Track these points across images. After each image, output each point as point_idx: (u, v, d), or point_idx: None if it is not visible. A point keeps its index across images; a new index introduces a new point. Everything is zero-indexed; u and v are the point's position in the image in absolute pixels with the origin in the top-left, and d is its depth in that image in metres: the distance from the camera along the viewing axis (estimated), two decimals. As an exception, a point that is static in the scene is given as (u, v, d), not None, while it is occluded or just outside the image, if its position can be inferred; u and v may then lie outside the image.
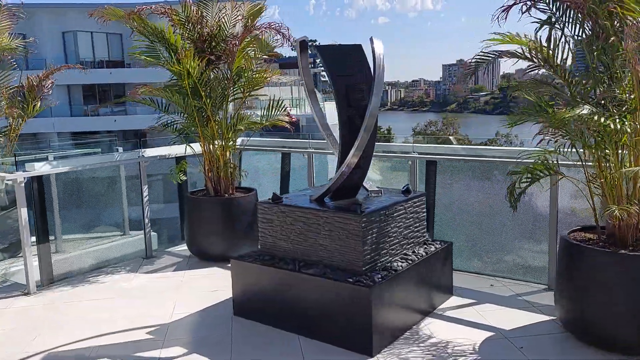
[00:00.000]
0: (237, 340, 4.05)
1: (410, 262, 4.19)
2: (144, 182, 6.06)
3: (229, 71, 5.77)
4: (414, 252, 4.41)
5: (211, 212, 5.87)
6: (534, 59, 3.93)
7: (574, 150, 4.13)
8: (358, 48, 4.25)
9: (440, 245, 4.58)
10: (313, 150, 6.24)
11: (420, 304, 4.29)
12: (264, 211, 4.40)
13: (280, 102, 5.94)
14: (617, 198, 3.71)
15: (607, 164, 3.70)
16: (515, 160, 5.12)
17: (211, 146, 5.89)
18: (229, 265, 5.66)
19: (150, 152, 6.22)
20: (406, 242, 4.37)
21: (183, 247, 6.52)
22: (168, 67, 5.62)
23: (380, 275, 3.88)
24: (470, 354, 3.73)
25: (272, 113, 5.97)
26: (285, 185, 6.98)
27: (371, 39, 4.21)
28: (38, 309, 4.80)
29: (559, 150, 4.20)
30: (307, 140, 6.36)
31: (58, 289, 5.23)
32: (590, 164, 3.88)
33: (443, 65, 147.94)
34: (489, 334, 4.01)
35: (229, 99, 5.86)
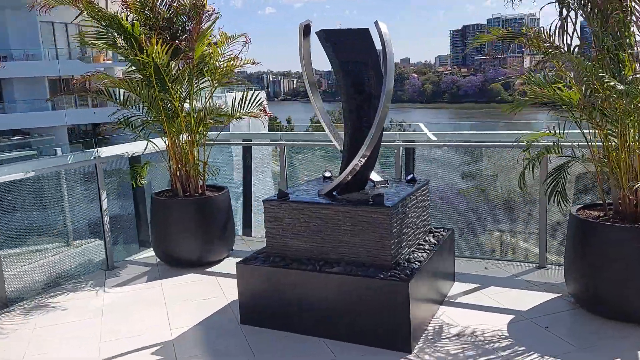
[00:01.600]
0: (259, 349, 3.74)
1: (427, 251, 4.11)
2: (102, 185, 5.44)
3: (190, 60, 5.32)
4: (425, 240, 4.33)
5: (183, 214, 5.40)
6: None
7: (570, 131, 4.29)
8: (365, 32, 4.05)
9: (445, 233, 4.55)
10: (285, 142, 5.96)
11: (436, 293, 4.22)
12: (272, 209, 4.09)
13: (256, 95, 5.58)
14: (628, 175, 3.86)
15: (622, 142, 3.82)
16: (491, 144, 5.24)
17: (177, 142, 5.41)
18: (208, 270, 5.33)
19: (107, 151, 5.60)
20: (418, 232, 4.28)
21: (146, 254, 5.98)
22: (128, 56, 5.06)
23: (409, 268, 3.76)
24: (504, 338, 3.72)
25: (246, 106, 5.59)
26: (248, 181, 6.64)
27: (376, 23, 4.04)
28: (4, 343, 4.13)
29: (560, 133, 4.33)
30: (278, 132, 6.06)
31: (14, 315, 4.54)
32: (600, 143, 4.01)
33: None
34: (509, 316, 4.04)
35: (195, 90, 5.40)
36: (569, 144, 4.32)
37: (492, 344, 3.65)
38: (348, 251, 3.86)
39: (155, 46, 4.87)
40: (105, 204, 5.47)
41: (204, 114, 5.44)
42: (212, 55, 5.31)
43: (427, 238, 4.38)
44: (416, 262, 3.88)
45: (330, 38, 3.98)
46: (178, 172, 5.48)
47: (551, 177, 4.16)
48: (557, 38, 3.92)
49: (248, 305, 4.10)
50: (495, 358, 3.47)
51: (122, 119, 5.45)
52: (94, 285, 5.13)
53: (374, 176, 4.39)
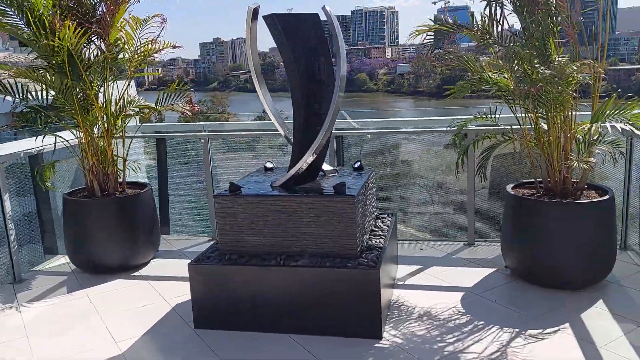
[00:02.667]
0: (224, 352, 3.53)
1: (383, 237, 4.15)
2: (3, 187, 4.76)
3: (104, 44, 4.83)
4: (377, 226, 4.37)
5: (104, 215, 4.91)
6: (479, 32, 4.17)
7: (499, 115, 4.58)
8: (315, 17, 3.95)
9: (391, 218, 4.62)
10: (209, 134, 5.66)
11: (390, 278, 4.29)
12: (224, 204, 3.86)
13: (182, 85, 5.20)
14: (557, 154, 4.20)
15: (552, 124, 4.14)
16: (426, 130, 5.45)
17: (92, 136, 4.90)
18: (135, 274, 4.94)
19: (7, 148, 4.91)
20: (369, 218, 4.30)
21: (56, 262, 5.38)
22: (37, 40, 4.46)
23: (374, 255, 3.77)
24: (461, 315, 3.88)
25: (171, 97, 5.20)
26: (163, 176, 6.23)
27: (324, 7, 3.97)
28: None
29: (492, 117, 4.60)
30: (202, 123, 5.73)
31: None
32: (530, 126, 4.31)
33: (200, 43, 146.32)
34: (459, 294, 4.23)
35: (112, 78, 4.91)
36: (501, 127, 4.59)
37: (453, 322, 3.79)
38: (311, 243, 3.77)
39: (69, 29, 4.34)
40: (8, 208, 4.80)
41: (122, 104, 4.97)
42: (127, 39, 4.85)
43: (377, 224, 4.42)
44: (377, 248, 3.90)
45: (280, 23, 3.82)
46: (94, 169, 4.97)
47: (481, 156, 4.41)
48: (491, 28, 4.13)
49: (203, 308, 3.85)
50: (461, 334, 3.62)
51: (25, 113, 4.80)
52: (4, 302, 4.50)
53: (324, 165, 4.33)
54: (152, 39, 4.81)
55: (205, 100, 65.00)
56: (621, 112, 3.95)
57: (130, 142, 5.16)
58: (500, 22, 4.09)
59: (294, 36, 3.86)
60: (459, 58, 4.39)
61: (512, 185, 4.56)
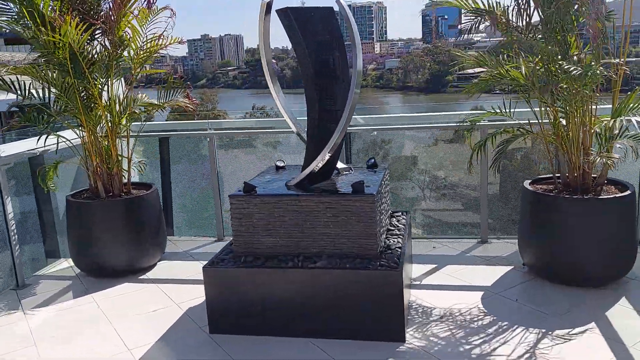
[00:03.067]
0: (242, 358, 3.41)
1: (400, 236, 4.05)
2: (5, 189, 4.60)
3: (108, 41, 4.68)
4: (393, 225, 4.27)
5: (110, 217, 4.76)
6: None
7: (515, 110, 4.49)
8: (330, 11, 3.83)
9: (405, 216, 4.52)
10: (215, 132, 5.52)
11: (408, 278, 4.19)
12: (239, 205, 3.73)
13: (179, 80, 5.06)
14: (576, 149, 4.11)
15: (572, 120, 4.05)
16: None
17: (96, 135, 4.75)
18: (142, 277, 4.81)
19: (9, 149, 4.74)
20: (385, 216, 4.20)
21: (59, 266, 5.23)
22: (37, 37, 4.30)
23: (395, 255, 3.66)
24: (484, 316, 3.79)
25: (171, 93, 5.06)
26: (167, 176, 6.09)
27: (338, 1, 3.85)
28: None
29: (506, 112, 4.51)
30: (206, 121, 5.59)
31: None
32: (547, 121, 4.22)
33: (188, 40, 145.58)
34: (478, 293, 4.14)
35: (115, 75, 4.76)
36: (515, 122, 4.50)
37: (476, 323, 3.70)
38: (329, 243, 3.66)
39: (71, 25, 4.18)
40: (10, 211, 4.65)
41: (126, 103, 4.82)
42: (133, 35, 4.70)
43: (392, 222, 4.32)
44: (397, 249, 3.79)
45: (295, 17, 3.69)
46: (99, 170, 4.82)
47: (497, 149, 4.32)
48: (515, 19, 4.03)
49: (218, 312, 3.73)
50: (486, 336, 3.52)
51: (27, 112, 4.64)
52: (9, 308, 4.35)
53: (338, 164, 4.22)
54: (160, 34, 4.65)
55: (195, 98, 64.74)
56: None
57: (135, 142, 5.02)
58: (529, 13, 3.98)
59: (309, 30, 3.74)
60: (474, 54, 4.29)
61: (528, 181, 4.47)
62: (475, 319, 3.76)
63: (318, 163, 3.82)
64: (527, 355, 3.26)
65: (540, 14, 4.07)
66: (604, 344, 3.34)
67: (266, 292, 3.63)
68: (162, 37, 4.67)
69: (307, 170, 3.85)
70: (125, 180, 4.99)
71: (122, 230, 4.77)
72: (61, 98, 4.53)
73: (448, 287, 4.30)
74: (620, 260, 4.08)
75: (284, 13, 3.72)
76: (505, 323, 3.67)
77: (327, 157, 3.83)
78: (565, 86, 3.75)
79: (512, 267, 4.55)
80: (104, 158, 4.81)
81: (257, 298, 3.65)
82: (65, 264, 5.28)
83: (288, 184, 3.92)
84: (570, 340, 3.40)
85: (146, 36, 4.71)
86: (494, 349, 3.35)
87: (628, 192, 4.01)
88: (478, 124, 4.70)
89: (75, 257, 4.90)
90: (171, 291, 4.50)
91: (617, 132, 3.97)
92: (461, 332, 3.58)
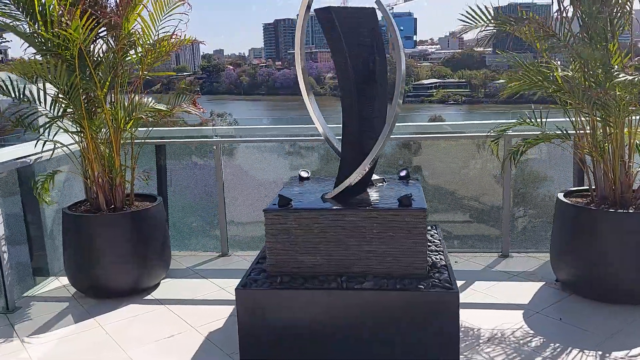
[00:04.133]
0: (288, 394, 3.09)
1: (440, 252, 3.81)
2: (-4, 203, 4.13)
3: (113, 39, 4.28)
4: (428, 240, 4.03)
5: (113, 232, 4.34)
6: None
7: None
8: (372, 12, 3.57)
9: (436, 230, 4.29)
10: (221, 139, 5.16)
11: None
12: (275, 220, 3.41)
13: (188, 85, 4.69)
14: (617, 161, 3.98)
15: (614, 129, 3.92)
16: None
17: (98, 142, 4.33)
18: (148, 298, 4.41)
19: (4, 154, 4.26)
20: (422, 232, 3.96)
21: (50, 286, 4.75)
22: (40, 33, 3.87)
23: (443, 274, 3.42)
24: (533, 337, 3.58)
25: (178, 99, 4.68)
26: (163, 184, 5.67)
27: (378, 1, 3.60)
28: None
29: (539, 122, 4.36)
30: (211, 127, 5.22)
31: None
32: (587, 130, 4.08)
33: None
34: (518, 312, 3.94)
35: (122, 76, 4.35)
36: (550, 132, 4.35)
37: (528, 345, 3.49)
38: (374, 262, 3.38)
39: (80, 20, 3.78)
40: (2, 227, 4.16)
41: (131, 107, 4.42)
42: (143, 31, 4.31)
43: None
44: (442, 267, 3.55)
45: (338, 17, 3.42)
46: (101, 180, 4.38)
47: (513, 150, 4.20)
48: (557, 27, 3.88)
49: (251, 338, 3.38)
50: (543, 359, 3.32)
51: (21, 117, 4.18)
52: (2, 336, 3.86)
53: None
54: (173, 33, 4.27)
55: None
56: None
57: (140, 150, 4.61)
58: (569, 19, 3.83)
59: (351, 32, 3.47)
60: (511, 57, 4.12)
61: (562, 193, 4.32)
62: (525, 340, 3.54)
63: (358, 175, 3.54)
64: (595, 381, 3.07)
65: (581, 22, 3.94)
66: (668, 366, 3.19)
67: (306, 316, 3.31)
68: (175, 35, 4.28)
69: (347, 182, 3.57)
70: (127, 191, 4.56)
71: (126, 246, 4.35)
72: (63, 100, 4.10)
73: (484, 305, 4.09)
74: (662, 276, 3.96)
75: (325, 12, 3.44)
76: (558, 345, 3.47)
77: (363, 168, 3.57)
78: (618, 92, 3.60)
79: (544, 283, 4.39)
80: (105, 167, 4.38)
81: (295, 322, 3.33)
82: (56, 283, 4.79)
83: (325, 196, 3.62)
84: (632, 363, 3.24)
85: (157, 34, 4.32)
86: (558, 375, 3.15)
87: (669, 205, 3.91)
88: (506, 133, 4.54)
89: (72, 275, 4.45)
90: (184, 313, 4.11)
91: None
92: (516, 356, 3.36)
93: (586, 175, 4.21)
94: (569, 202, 4.12)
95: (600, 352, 3.35)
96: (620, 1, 3.77)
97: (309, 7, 3.54)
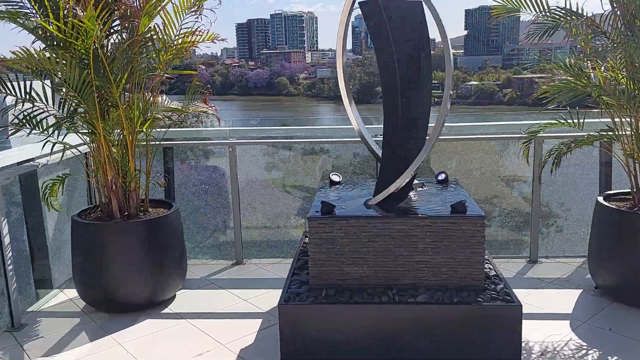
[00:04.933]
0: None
1: (488, 262, 3.60)
2: (0, 211, 3.76)
3: (127, 33, 3.96)
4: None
5: (128, 241, 4.02)
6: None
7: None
8: (419, 5, 3.34)
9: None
10: (236, 141, 4.87)
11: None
12: (320, 229, 3.16)
13: (201, 85, 4.39)
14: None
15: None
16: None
17: (111, 144, 4.00)
18: (165, 312, 4.11)
19: (9, 157, 3.90)
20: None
21: (56, 300, 4.40)
22: (41, 29, 3.53)
23: (500, 286, 3.21)
24: (588, 349, 3.40)
25: (191, 98, 4.39)
26: (170, 188, 5.35)
27: (423, -4, 3.38)
28: None
29: (577, 122, 4.20)
30: (227, 128, 4.92)
31: None
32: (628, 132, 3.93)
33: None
34: (564, 322, 3.75)
35: (141, 74, 4.02)
36: (584, 133, 4.19)
37: (583, 357, 3.31)
38: (427, 274, 3.16)
39: (94, 11, 3.46)
40: (6, 233, 3.80)
41: (147, 107, 4.11)
42: (167, 26, 4.00)
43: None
44: (494, 277, 3.35)
45: (386, 11, 3.19)
46: (114, 186, 4.06)
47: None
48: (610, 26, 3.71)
49: (295, 356, 3.12)
50: (602, 374, 3.15)
51: (27, 116, 3.83)
52: (12, 357, 3.51)
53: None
54: (197, 29, 3.97)
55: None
56: None
57: (155, 153, 4.30)
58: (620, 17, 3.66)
59: (397, 27, 3.24)
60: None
61: (601, 196, 4.17)
62: (580, 354, 3.36)
63: (405, 179, 3.32)
64: (667, 398, 2.90)
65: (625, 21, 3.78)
66: None
67: (355, 332, 3.07)
68: (198, 32, 3.98)
69: (392, 187, 3.34)
70: (142, 197, 4.25)
71: (142, 256, 4.04)
72: (74, 98, 3.77)
73: (528, 315, 3.85)
74: None
75: (372, 6, 3.20)
76: (615, 358, 3.30)
77: (410, 172, 3.34)
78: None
79: (582, 290, 4.23)
80: (119, 171, 4.06)
81: (344, 339, 3.08)
82: (62, 296, 4.44)
83: (368, 203, 3.39)
84: (699, 376, 3.08)
85: (180, 28, 4.02)
86: (627, 391, 2.97)
87: None
88: (539, 135, 4.38)
89: (82, 288, 4.11)
90: (208, 328, 3.82)
91: None
92: (574, 371, 3.18)
93: (630, 178, 4.06)
94: (612, 206, 3.97)
95: (661, 365, 3.20)
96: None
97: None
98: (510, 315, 2.99)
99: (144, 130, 4.10)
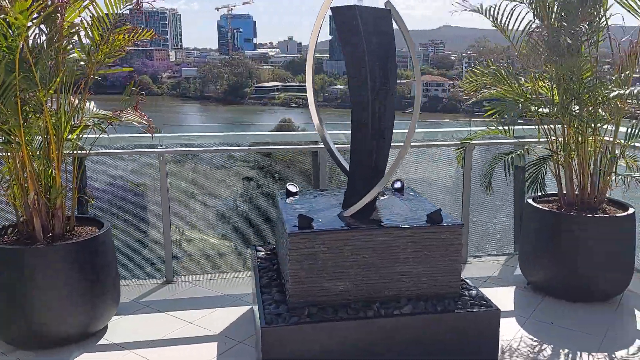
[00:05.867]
0: None
1: (448, 267, 3.69)
2: None
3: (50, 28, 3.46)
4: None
5: (55, 267, 3.49)
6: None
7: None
8: (387, 13, 3.30)
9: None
10: (166, 150, 4.47)
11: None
12: (302, 244, 2.99)
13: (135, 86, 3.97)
14: (587, 168, 4.23)
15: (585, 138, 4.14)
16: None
17: (30, 156, 3.46)
18: (102, 343, 3.72)
19: None
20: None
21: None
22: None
23: (473, 292, 3.29)
24: (541, 344, 3.61)
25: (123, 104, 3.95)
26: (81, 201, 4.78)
27: (388, 2, 3.37)
28: None
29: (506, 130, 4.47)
30: (157, 135, 4.49)
31: None
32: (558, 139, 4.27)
33: None
34: (512, 319, 3.95)
35: (64, 74, 3.52)
36: (517, 141, 4.48)
37: (542, 354, 3.50)
38: (408, 283, 3.15)
39: (25, 3, 2.96)
40: None
41: (73, 112, 3.61)
42: (93, 22, 3.54)
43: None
44: (466, 282, 3.43)
45: (361, 15, 3.11)
46: (37, 204, 3.51)
47: (531, 169, 4.27)
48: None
49: (278, 382, 2.93)
50: (558, 367, 3.36)
51: None
52: None
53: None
54: (135, 26, 3.56)
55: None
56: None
57: (84, 164, 3.79)
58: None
59: (370, 32, 3.18)
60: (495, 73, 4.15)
61: (530, 199, 4.48)
62: (538, 349, 3.56)
63: (380, 189, 3.27)
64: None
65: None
66: (669, 361, 3.42)
67: (342, 349, 2.96)
68: (136, 29, 3.58)
69: (367, 198, 3.27)
70: (69, 215, 3.73)
71: (71, 283, 3.54)
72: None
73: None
74: (625, 275, 4.28)
75: (348, 10, 3.10)
76: (567, 350, 3.55)
77: (384, 183, 3.31)
78: (613, 105, 3.80)
79: (514, 286, 4.51)
80: (43, 187, 3.52)
81: (331, 358, 2.95)
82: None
83: (343, 214, 3.29)
84: (640, 361, 3.42)
85: (114, 24, 3.57)
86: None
87: (631, 210, 4.23)
88: (472, 142, 4.60)
89: (6, 325, 3.50)
90: (163, 359, 3.46)
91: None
92: (538, 367, 3.36)
93: (557, 182, 4.40)
94: (542, 207, 4.27)
95: (606, 353, 3.49)
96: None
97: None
98: (489, 319, 3.08)
99: (72, 138, 3.60)
